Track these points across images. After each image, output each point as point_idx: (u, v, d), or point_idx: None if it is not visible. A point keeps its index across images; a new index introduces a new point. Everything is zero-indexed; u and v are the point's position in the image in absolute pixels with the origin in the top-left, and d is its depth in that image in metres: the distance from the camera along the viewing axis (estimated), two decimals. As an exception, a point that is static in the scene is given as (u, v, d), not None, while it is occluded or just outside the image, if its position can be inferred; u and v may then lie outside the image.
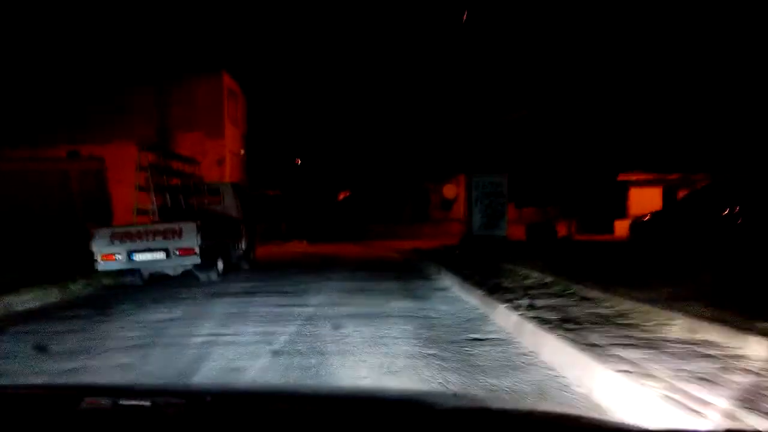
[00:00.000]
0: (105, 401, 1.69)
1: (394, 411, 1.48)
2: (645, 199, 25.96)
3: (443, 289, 8.75)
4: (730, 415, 2.63)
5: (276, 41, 37.42)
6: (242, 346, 5.05)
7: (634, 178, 26.01)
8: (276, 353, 4.78)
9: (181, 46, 26.83)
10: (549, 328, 4.63)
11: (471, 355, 4.58)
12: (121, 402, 1.67)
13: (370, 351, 4.77)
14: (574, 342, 4.08)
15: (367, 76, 33.35)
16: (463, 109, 20.70)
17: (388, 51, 31.05)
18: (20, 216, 14.86)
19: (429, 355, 4.62)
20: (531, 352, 4.53)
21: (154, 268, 10.44)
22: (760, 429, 2.42)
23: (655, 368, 3.38)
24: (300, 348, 4.93)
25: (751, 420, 2.53)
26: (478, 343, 5.01)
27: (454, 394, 2.70)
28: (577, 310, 5.38)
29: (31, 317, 7.31)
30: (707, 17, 24.66)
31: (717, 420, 2.59)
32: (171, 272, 10.70)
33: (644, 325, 4.57)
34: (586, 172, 24.49)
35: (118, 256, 10.01)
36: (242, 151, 31.43)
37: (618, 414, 3.05)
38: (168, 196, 11.26)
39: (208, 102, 26.46)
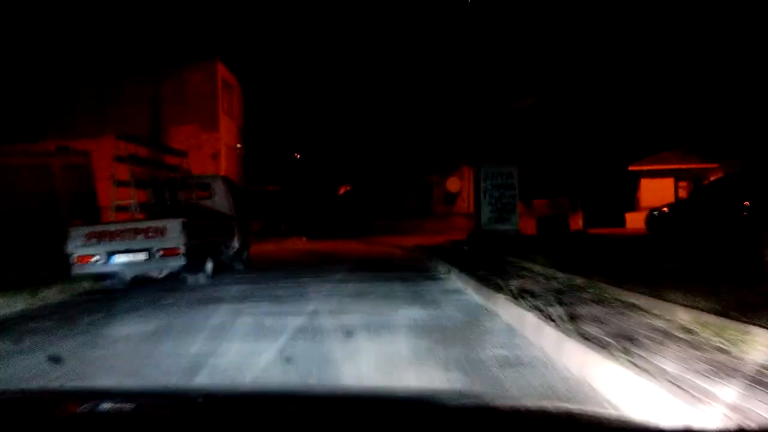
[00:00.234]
0: (85, 406, 1.60)
1: (399, 410, 1.46)
2: (656, 191, 25.01)
3: (456, 292, 7.82)
4: None
5: (273, 30, 36.37)
6: (219, 372, 4.12)
7: (645, 168, 25.03)
8: (258, 381, 3.86)
9: (174, 34, 25.85)
10: (599, 346, 3.70)
11: (503, 382, 3.65)
12: (102, 407, 1.60)
13: (375, 377, 3.85)
14: (642, 370, 3.14)
15: (367, 65, 32.34)
16: (468, 98, 19.72)
17: (388, 39, 30.01)
18: (-3, 214, 13.93)
19: (451, 380, 3.70)
20: (579, 378, 3.60)
21: (136, 271, 9.51)
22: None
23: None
24: (290, 375, 4.00)
25: None
26: (509, 364, 4.07)
27: (460, 392, 2.53)
28: (626, 322, 4.44)
29: (-15, 330, 6.38)
30: (717, 7, 23.68)
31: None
32: (156, 274, 9.78)
33: (724, 345, 3.63)
34: (596, 162, 23.53)
35: (96, 258, 9.09)
36: (239, 145, 30.48)
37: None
38: (151, 191, 10.31)
39: (201, 93, 25.50)
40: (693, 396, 2.71)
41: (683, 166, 24.46)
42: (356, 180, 34.59)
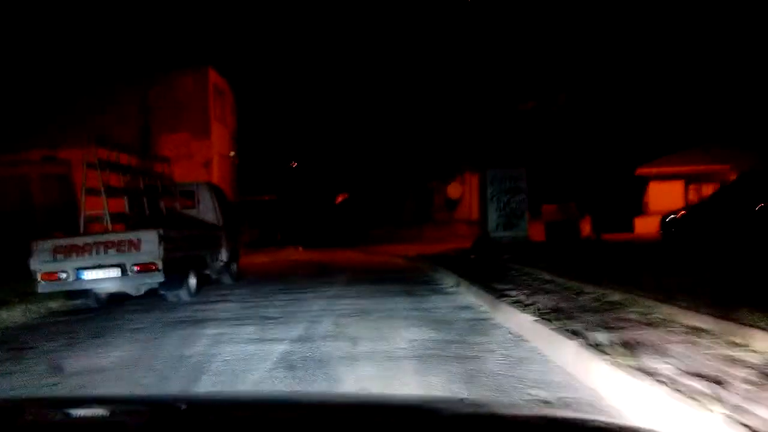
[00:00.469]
0: (52, 413, 1.53)
1: (396, 418, 1.41)
2: (665, 194, 24.06)
3: (468, 309, 6.85)
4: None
5: (266, 34, 35.54)
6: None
7: (654, 171, 24.10)
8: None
9: (165, 40, 24.95)
10: (684, 395, 2.74)
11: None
12: (71, 413, 1.53)
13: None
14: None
15: (364, 70, 31.48)
16: (472, 100, 18.84)
17: (386, 42, 29.14)
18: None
19: None
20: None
21: (109, 289, 8.53)
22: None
23: None
24: None
25: None
26: (551, 410, 3.10)
27: (461, 400, 2.35)
28: (703, 355, 3.48)
29: None
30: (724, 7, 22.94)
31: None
32: (133, 292, 8.78)
33: None
34: (603, 165, 22.62)
35: (63, 275, 8.10)
36: (232, 153, 29.52)
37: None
38: (127, 200, 9.35)
39: (192, 99, 24.55)
40: None
41: (694, 169, 23.50)
42: (354, 188, 33.64)
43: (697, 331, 4.06)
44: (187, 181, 11.90)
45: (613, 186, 23.50)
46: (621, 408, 3.06)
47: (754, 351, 3.45)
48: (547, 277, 7.77)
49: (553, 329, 4.55)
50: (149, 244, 8.07)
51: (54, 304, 8.77)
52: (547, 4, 23.51)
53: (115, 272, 8.09)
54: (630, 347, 3.71)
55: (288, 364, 4.49)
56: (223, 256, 10.99)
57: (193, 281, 9.11)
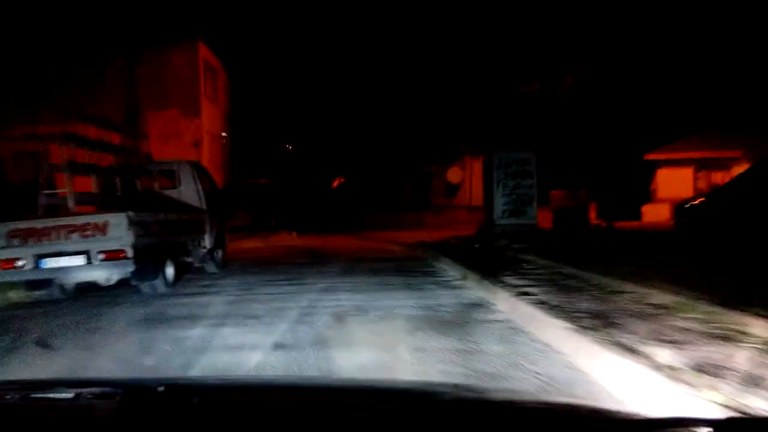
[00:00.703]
0: (11, 396, 1.47)
1: (395, 402, 1.43)
2: (674, 181, 23.17)
3: (479, 307, 5.94)
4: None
5: (260, 13, 34.29)
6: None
7: (663, 157, 23.16)
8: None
9: (154, 13, 23.72)
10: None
11: None
12: (34, 396, 1.49)
13: None
14: None
15: (360, 47, 30.35)
16: (476, 80, 17.80)
17: (383, 18, 27.98)
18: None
19: None
20: None
21: (74, 278, 7.58)
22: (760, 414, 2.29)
23: None
24: None
25: None
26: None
27: (455, 385, 2.19)
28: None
29: None
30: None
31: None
32: (102, 282, 7.83)
33: None
34: (610, 150, 21.67)
35: (20, 263, 7.14)
36: (224, 134, 28.45)
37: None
38: (96, 179, 8.37)
39: (182, 75, 23.42)
40: None
41: (705, 155, 22.57)
42: (350, 171, 32.62)
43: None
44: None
45: (619, 172, 22.57)
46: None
47: None
48: (569, 270, 6.86)
49: (596, 341, 3.64)
50: (117, 229, 7.12)
51: (14, 295, 7.81)
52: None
53: (78, 260, 7.13)
54: (717, 374, 2.80)
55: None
56: (207, 242, 10.04)
57: (170, 270, 8.16)
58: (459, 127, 26.48)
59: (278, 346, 4.50)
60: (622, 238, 12.25)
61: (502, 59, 22.03)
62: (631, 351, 3.35)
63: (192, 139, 23.34)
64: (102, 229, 7.10)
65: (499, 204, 12.60)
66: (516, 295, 5.59)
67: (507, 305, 5.59)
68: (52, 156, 7.81)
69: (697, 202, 14.59)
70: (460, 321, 5.33)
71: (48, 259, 7.14)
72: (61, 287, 7.78)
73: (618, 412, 1.42)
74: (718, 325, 3.81)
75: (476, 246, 11.56)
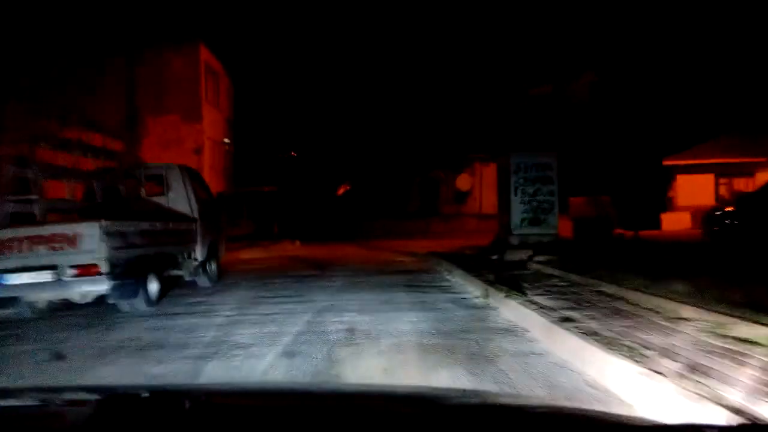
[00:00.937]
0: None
1: (402, 406, 1.42)
2: (695, 188, 22.19)
3: (510, 334, 5.00)
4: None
5: (264, 19, 33.58)
6: None
7: (682, 162, 22.16)
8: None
9: (152, 13, 22.97)
10: None
11: None
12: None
13: None
14: None
15: (368, 52, 29.55)
16: (491, 82, 16.89)
17: (389, 20, 27.17)
18: None
19: None
20: None
21: (43, 296, 6.68)
22: None
23: None
24: None
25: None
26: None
27: (463, 391, 2.28)
28: None
29: None
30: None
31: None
32: (76, 299, 6.92)
33: None
34: (627, 155, 20.69)
35: (-19, 279, 6.27)
36: (227, 140, 27.64)
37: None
38: (71, 183, 7.49)
39: (182, 79, 22.62)
40: None
41: (727, 160, 21.53)
42: (356, 178, 31.73)
43: None
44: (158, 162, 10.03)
45: (637, 178, 21.58)
46: None
47: None
48: (610, 289, 5.91)
49: (685, 394, 2.70)
50: (90, 241, 6.23)
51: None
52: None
53: (45, 276, 6.25)
54: None
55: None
56: (199, 253, 9.14)
57: (153, 287, 7.26)
58: (468, 132, 25.59)
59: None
60: (651, 249, 11.26)
61: (510, 61, 21.15)
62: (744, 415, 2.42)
63: (193, 146, 22.53)
64: (72, 240, 6.21)
65: (517, 212, 11.64)
66: (556, 321, 4.65)
67: (544, 333, 4.64)
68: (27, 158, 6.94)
69: (727, 209, 13.62)
70: (489, 353, 4.39)
71: (10, 274, 6.26)
72: (31, 306, 6.90)
73: (628, 418, 1.39)
74: None
75: (493, 258, 10.61)
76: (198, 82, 22.99)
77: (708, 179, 22.22)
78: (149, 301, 7.12)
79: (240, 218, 26.32)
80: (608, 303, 5.34)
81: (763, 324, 3.89)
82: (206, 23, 25.31)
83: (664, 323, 4.37)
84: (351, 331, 5.35)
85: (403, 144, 28.05)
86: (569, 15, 21.16)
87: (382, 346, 4.76)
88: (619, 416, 1.35)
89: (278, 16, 35.27)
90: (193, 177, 9.65)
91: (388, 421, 1.24)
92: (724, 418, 2.38)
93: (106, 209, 7.48)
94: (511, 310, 5.78)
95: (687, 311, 4.57)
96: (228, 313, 6.63)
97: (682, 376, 3.01)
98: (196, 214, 9.13)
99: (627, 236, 13.76)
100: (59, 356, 4.81)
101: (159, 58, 22.47)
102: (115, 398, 1.49)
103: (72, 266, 6.19)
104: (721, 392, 2.73)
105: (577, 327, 4.38)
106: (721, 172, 22.22)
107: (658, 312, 4.77)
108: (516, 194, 11.63)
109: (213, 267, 9.78)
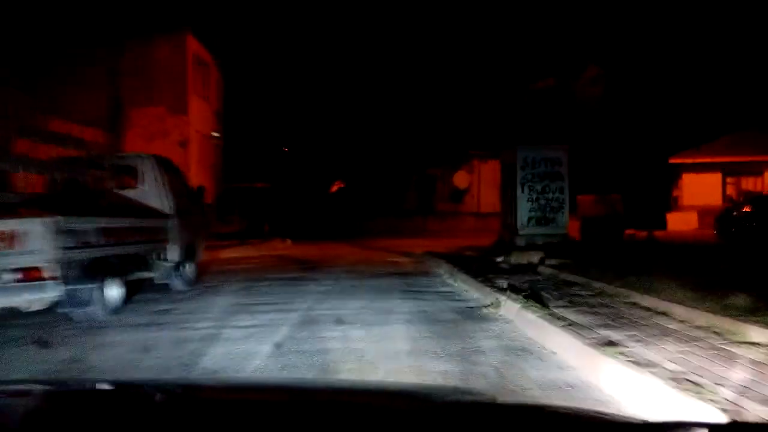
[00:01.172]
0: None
1: (396, 403, 1.41)
2: (701, 187, 21.41)
3: (527, 353, 4.12)
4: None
5: (256, 9, 32.58)
6: None
7: (689, 161, 21.36)
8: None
9: (139, 1, 21.96)
10: None
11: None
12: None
13: None
14: None
15: (362, 45, 28.61)
16: (480, 77, 16.00)
17: (384, 13, 26.26)
18: None
19: None
20: None
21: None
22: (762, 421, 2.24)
23: None
24: None
25: None
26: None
27: (455, 387, 2.27)
28: None
29: None
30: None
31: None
32: (22, 306, 5.96)
33: None
34: (634, 152, 19.85)
35: None
36: (215, 134, 26.63)
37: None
38: (18, 173, 6.54)
39: (168, 69, 21.62)
40: None
41: (734, 158, 20.74)
42: (350, 175, 30.80)
43: None
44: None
45: (644, 176, 20.76)
46: None
47: None
48: (648, 302, 5.02)
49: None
50: (36, 240, 5.30)
51: None
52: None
53: (-18, 280, 5.30)
54: None
55: None
56: (173, 254, 8.19)
57: (113, 293, 6.32)
58: (466, 128, 24.72)
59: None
60: (670, 251, 10.40)
61: (510, 55, 20.28)
62: None
63: (179, 138, 21.53)
64: (13, 239, 5.26)
65: (524, 210, 10.75)
66: (594, 343, 3.75)
67: (581, 359, 3.75)
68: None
69: (745, 210, 12.81)
70: (513, 384, 3.50)
71: (-59, 278, 5.31)
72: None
73: (620, 416, 1.44)
74: None
75: (498, 260, 9.72)
76: (185, 72, 21.99)
77: (715, 178, 21.45)
78: (108, 309, 6.19)
79: (231, 215, 25.40)
80: (650, 319, 4.45)
81: None
82: (196, 14, 24.33)
83: (731, 349, 3.49)
84: (343, 350, 4.44)
85: (399, 140, 27.16)
86: (572, 9, 20.32)
87: (380, 372, 3.86)
88: (613, 415, 1.38)
89: (272, 7, 34.28)
90: (168, 169, 8.69)
91: (380, 417, 1.21)
92: (714, 416, 2.30)
93: (62, 203, 6.52)
94: (530, 325, 4.89)
95: (756, 334, 3.69)
96: (198, 324, 5.70)
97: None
98: (170, 210, 8.19)
99: (639, 237, 12.92)
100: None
101: (144, 47, 21.46)
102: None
103: (12, 270, 5.25)
104: None
105: (622, 353, 3.48)
106: (728, 171, 21.44)
107: (718, 333, 3.89)
108: (523, 191, 10.75)
109: (189, 269, 8.84)
